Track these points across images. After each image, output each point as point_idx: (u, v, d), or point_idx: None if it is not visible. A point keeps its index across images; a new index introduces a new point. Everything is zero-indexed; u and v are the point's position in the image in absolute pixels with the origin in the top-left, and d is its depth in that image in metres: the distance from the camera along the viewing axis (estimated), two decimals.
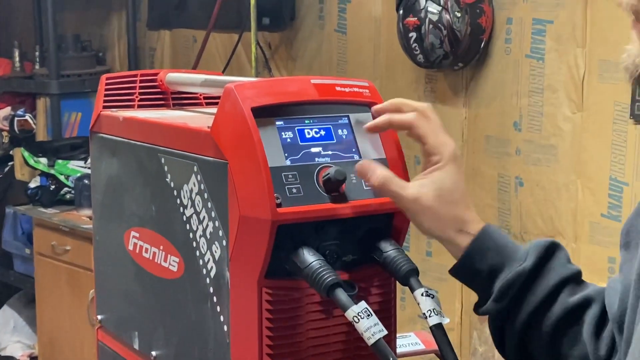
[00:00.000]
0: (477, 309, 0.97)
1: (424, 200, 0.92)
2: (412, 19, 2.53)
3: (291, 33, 3.15)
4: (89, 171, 3.29)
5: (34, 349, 3.60)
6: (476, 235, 0.94)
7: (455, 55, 2.53)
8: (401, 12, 2.58)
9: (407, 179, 0.97)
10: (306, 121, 0.99)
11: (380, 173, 0.91)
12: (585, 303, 0.92)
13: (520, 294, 0.93)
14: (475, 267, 0.95)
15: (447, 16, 2.48)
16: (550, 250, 0.94)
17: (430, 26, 2.49)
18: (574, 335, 0.92)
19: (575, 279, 0.94)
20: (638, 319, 0.73)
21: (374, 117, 0.98)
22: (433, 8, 2.48)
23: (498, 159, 2.59)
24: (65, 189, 3.31)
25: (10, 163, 3.70)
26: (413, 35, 2.54)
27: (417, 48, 2.55)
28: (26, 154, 3.46)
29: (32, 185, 3.38)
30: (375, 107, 0.98)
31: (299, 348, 0.96)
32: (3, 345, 3.82)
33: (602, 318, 0.91)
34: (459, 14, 2.48)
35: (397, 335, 1.04)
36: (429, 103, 0.97)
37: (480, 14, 2.52)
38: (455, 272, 0.96)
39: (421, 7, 2.50)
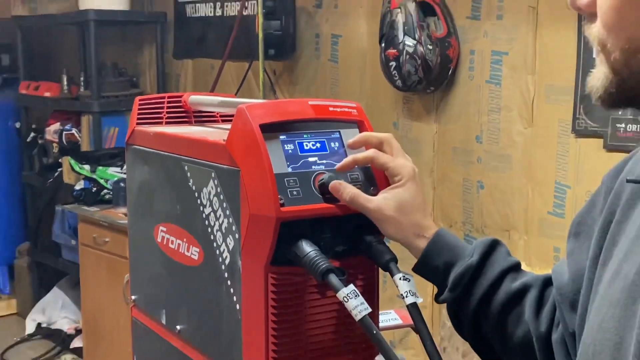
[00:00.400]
0: (437, 298, 0.97)
1: (385, 210, 0.93)
2: (392, 51, 2.53)
3: (292, 62, 3.15)
4: (124, 176, 3.29)
5: (79, 323, 3.59)
6: (431, 238, 0.95)
7: (428, 81, 2.53)
8: (383, 45, 2.57)
9: (388, 183, 0.97)
10: (305, 136, 0.99)
11: (350, 191, 0.92)
12: (525, 288, 0.92)
13: (470, 284, 0.94)
14: (432, 264, 0.96)
15: (421, 49, 2.48)
16: (492, 247, 0.95)
17: (407, 57, 2.49)
18: (517, 316, 0.92)
19: (515, 269, 0.95)
20: (593, 298, 0.73)
21: (351, 146, 0.99)
22: (409, 42, 2.48)
23: (463, 167, 2.59)
24: (105, 190, 3.31)
25: (59, 169, 3.70)
26: (393, 64, 2.54)
27: (396, 75, 2.55)
28: (72, 161, 3.46)
29: (77, 187, 3.38)
30: (348, 143, 0.98)
31: (298, 323, 0.96)
32: (53, 320, 3.82)
33: (540, 300, 0.91)
34: (430, 47, 2.49)
35: (380, 312, 1.04)
36: (391, 133, 0.98)
37: (448, 47, 2.52)
38: (416, 269, 0.97)
39: (399, 41, 2.50)
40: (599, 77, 0.63)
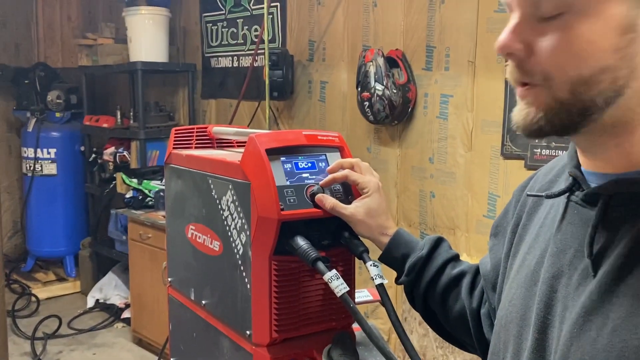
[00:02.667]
0: (396, 281, 0.97)
1: (357, 215, 0.94)
2: (366, 94, 2.54)
3: (291, 102, 3.15)
4: (163, 187, 3.29)
5: (128, 299, 3.57)
6: (392, 236, 0.96)
7: (393, 116, 2.54)
8: (359, 89, 2.58)
9: (360, 194, 0.97)
10: (299, 157, 1.00)
11: (330, 201, 0.93)
12: (462, 274, 0.93)
13: (420, 271, 0.94)
14: (393, 256, 0.96)
15: (388, 92, 2.49)
16: (438, 242, 0.96)
17: (377, 98, 2.50)
18: (455, 295, 0.92)
19: (454, 259, 0.95)
20: (506, 282, 0.74)
21: (331, 171, 0.98)
22: (379, 87, 2.49)
23: (419, 181, 2.60)
24: (148, 198, 3.30)
25: (114, 182, 3.69)
26: (367, 103, 2.55)
27: (369, 112, 2.56)
28: (124, 176, 3.45)
29: (127, 196, 3.37)
30: (328, 169, 0.98)
31: (294, 298, 0.96)
32: (108, 297, 3.80)
33: (473, 284, 0.91)
34: (395, 91, 2.50)
35: (355, 290, 1.05)
36: (359, 158, 0.99)
37: (408, 91, 2.53)
38: (381, 259, 0.98)
39: (371, 86, 2.51)
40: (526, 113, 0.58)
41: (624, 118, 0.55)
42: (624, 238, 0.54)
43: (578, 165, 0.62)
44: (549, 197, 0.65)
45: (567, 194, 0.62)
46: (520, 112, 0.58)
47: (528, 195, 0.73)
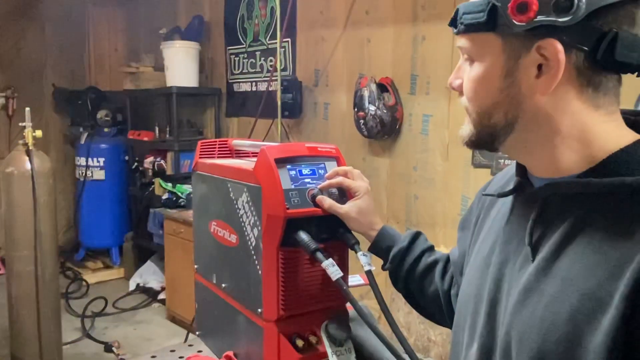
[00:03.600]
0: (382, 267, 0.98)
1: (350, 214, 0.94)
2: (361, 113, 2.55)
3: (299, 120, 3.16)
4: None
5: (163, 283, 3.58)
6: (379, 231, 0.97)
7: (383, 132, 2.54)
8: (355, 109, 2.59)
9: (352, 196, 0.98)
10: (302, 165, 1.00)
11: (328, 202, 0.94)
12: (436, 262, 0.94)
13: (402, 259, 0.95)
14: (379, 247, 0.97)
15: (379, 112, 2.50)
16: (416, 235, 0.97)
17: (371, 117, 2.51)
18: (430, 279, 0.93)
19: (430, 250, 0.96)
20: (466, 267, 0.75)
21: (328, 177, 0.99)
22: (372, 108, 2.50)
23: (405, 185, 2.60)
24: (181, 199, 3.31)
25: (152, 186, 3.70)
26: (362, 121, 2.56)
27: (364, 128, 2.57)
28: (161, 181, 3.46)
29: (163, 197, 3.38)
30: (326, 175, 0.99)
31: (297, 282, 0.96)
32: (147, 281, 3.80)
33: (445, 269, 0.92)
34: (385, 111, 2.51)
35: (349, 275, 1.05)
36: (351, 166, 1.01)
37: (396, 111, 2.54)
38: (370, 249, 0.99)
39: (366, 107, 2.51)
40: (465, 130, 0.64)
41: (524, 141, 0.60)
42: (556, 230, 0.56)
43: (525, 171, 0.64)
44: (500, 196, 0.67)
45: (513, 194, 0.65)
46: (464, 130, 0.64)
47: (483, 195, 0.75)
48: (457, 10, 0.60)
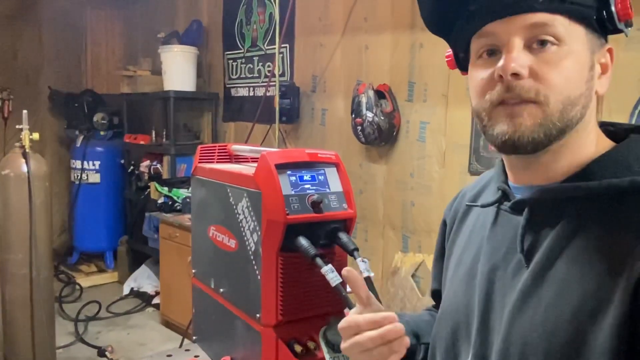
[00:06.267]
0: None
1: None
2: (359, 120, 2.55)
3: (297, 125, 3.16)
4: (189, 194, 3.29)
5: (158, 288, 3.56)
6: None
7: (381, 139, 2.55)
8: (353, 115, 2.59)
9: (353, 205, 0.97)
10: (302, 171, 1.00)
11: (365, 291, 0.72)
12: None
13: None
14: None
15: (377, 119, 2.51)
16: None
17: (368, 123, 2.52)
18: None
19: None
20: (444, 278, 0.74)
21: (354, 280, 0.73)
22: (369, 114, 2.51)
23: (402, 192, 2.60)
24: (177, 203, 3.30)
25: (148, 190, 3.69)
26: (359, 127, 2.56)
27: (361, 134, 2.57)
28: (157, 185, 3.45)
29: (159, 201, 3.37)
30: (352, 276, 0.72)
31: (296, 287, 0.97)
32: (141, 285, 3.78)
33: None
34: (382, 118, 2.51)
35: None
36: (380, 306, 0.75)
37: (393, 118, 2.54)
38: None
39: (363, 114, 2.52)
40: (520, 126, 0.55)
41: (565, 144, 0.57)
42: (547, 236, 0.56)
43: (506, 181, 0.64)
44: (483, 206, 0.66)
45: (497, 204, 0.64)
46: (512, 127, 0.55)
47: (467, 205, 0.73)
48: None
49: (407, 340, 0.64)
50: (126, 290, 3.81)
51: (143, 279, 3.82)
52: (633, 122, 1.77)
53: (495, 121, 0.56)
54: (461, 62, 0.63)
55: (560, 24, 0.54)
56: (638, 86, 1.76)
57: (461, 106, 2.31)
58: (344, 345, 0.65)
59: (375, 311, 0.67)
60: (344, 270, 0.70)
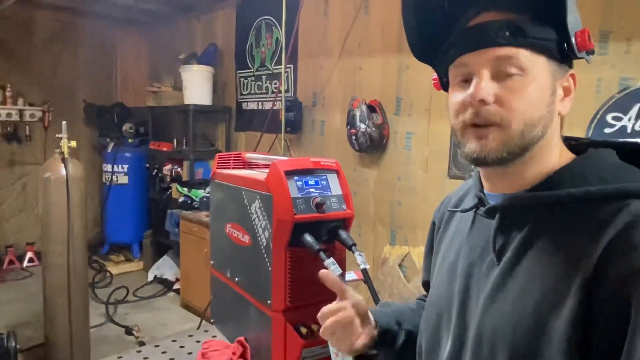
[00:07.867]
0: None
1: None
2: (353, 130, 2.55)
3: (299, 135, 3.15)
4: (206, 194, 3.29)
5: (178, 275, 3.55)
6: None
7: (372, 147, 2.55)
8: (348, 127, 2.60)
9: (351, 206, 0.97)
10: (307, 177, 1.00)
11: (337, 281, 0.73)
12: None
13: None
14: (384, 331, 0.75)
15: (369, 130, 2.51)
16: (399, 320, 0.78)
17: (361, 134, 2.52)
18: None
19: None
20: (432, 272, 0.74)
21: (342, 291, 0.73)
22: (362, 126, 2.51)
23: (391, 193, 2.60)
24: (195, 202, 3.30)
25: (170, 190, 3.68)
26: (354, 137, 2.56)
27: (355, 143, 2.57)
28: (177, 186, 3.45)
29: (180, 200, 3.37)
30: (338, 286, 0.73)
31: (302, 278, 0.97)
32: (164, 273, 3.77)
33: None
34: (374, 129, 2.52)
35: (346, 272, 1.06)
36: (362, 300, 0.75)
37: (383, 129, 2.54)
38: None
39: (357, 125, 2.52)
40: (485, 146, 0.55)
41: (530, 158, 0.57)
42: (515, 238, 0.57)
43: (482, 189, 0.65)
44: (463, 211, 0.67)
45: (474, 210, 0.65)
46: (479, 147, 0.56)
47: (449, 210, 0.73)
48: (503, 24, 0.54)
49: (360, 325, 0.68)
50: (150, 277, 3.80)
51: (165, 268, 3.81)
52: (590, 133, 1.78)
53: (467, 140, 0.57)
54: (445, 84, 0.64)
55: (523, 56, 0.54)
56: (594, 104, 1.78)
57: (442, 119, 2.32)
58: (320, 331, 0.69)
59: (353, 302, 0.71)
60: (320, 273, 0.71)
